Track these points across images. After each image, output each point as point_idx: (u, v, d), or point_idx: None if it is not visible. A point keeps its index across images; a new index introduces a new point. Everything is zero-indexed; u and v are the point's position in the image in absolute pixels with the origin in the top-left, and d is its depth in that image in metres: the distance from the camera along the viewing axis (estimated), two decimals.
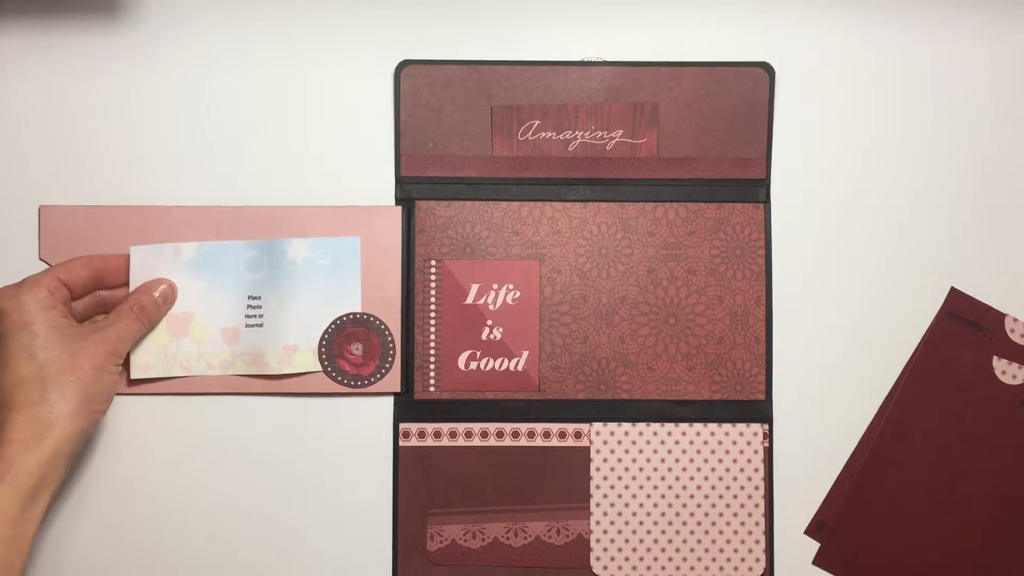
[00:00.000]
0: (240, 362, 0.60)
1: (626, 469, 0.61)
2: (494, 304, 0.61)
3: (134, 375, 0.59)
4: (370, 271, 0.60)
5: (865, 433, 0.61)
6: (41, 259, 0.60)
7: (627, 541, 0.60)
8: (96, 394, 0.54)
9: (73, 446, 0.54)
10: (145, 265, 0.59)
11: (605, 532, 0.60)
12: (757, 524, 0.60)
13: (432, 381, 0.61)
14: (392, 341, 0.60)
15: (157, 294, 0.59)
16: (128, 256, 0.59)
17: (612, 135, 0.61)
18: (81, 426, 0.54)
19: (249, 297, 0.59)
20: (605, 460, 0.61)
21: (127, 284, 0.59)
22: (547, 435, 0.61)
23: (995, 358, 0.60)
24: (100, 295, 0.59)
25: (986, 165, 0.62)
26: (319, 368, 0.60)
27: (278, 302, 0.59)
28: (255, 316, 0.59)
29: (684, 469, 0.61)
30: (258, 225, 0.60)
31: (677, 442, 0.61)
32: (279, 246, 0.59)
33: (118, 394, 0.60)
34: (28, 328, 0.53)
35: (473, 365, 0.61)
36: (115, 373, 0.56)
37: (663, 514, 0.60)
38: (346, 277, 0.60)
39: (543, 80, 0.61)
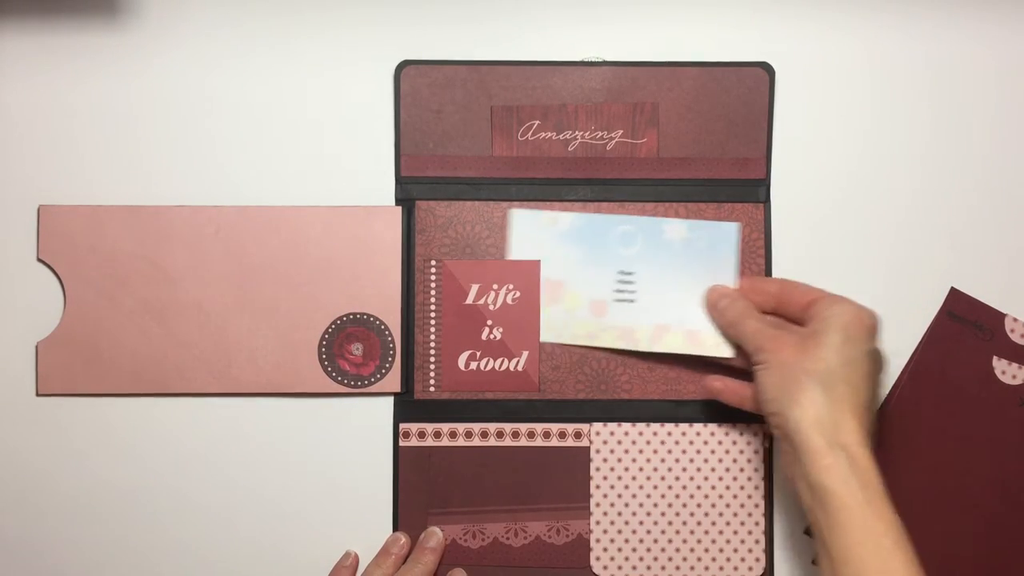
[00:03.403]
0: (607, 335, 0.60)
1: (626, 469, 0.60)
2: (494, 304, 0.61)
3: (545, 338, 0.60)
4: (370, 271, 0.60)
5: None
6: (39, 259, 0.60)
7: (627, 541, 0.60)
8: None
9: None
10: (522, 230, 0.60)
11: (605, 532, 0.60)
12: (757, 524, 0.60)
13: (432, 381, 0.61)
14: (392, 341, 0.60)
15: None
16: None
17: (612, 135, 0.61)
18: None
19: (620, 272, 0.60)
20: (605, 460, 0.61)
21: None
22: (547, 435, 0.61)
23: (995, 358, 0.60)
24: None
25: (986, 165, 0.62)
26: (687, 351, 0.60)
27: (652, 280, 0.60)
28: (626, 291, 0.60)
29: (684, 469, 0.61)
30: (258, 225, 0.60)
31: (677, 442, 0.61)
32: (656, 224, 0.60)
33: (116, 395, 0.60)
34: None
35: (473, 365, 0.61)
36: None
37: (663, 514, 0.60)
38: (721, 261, 0.60)
39: (543, 80, 0.61)
